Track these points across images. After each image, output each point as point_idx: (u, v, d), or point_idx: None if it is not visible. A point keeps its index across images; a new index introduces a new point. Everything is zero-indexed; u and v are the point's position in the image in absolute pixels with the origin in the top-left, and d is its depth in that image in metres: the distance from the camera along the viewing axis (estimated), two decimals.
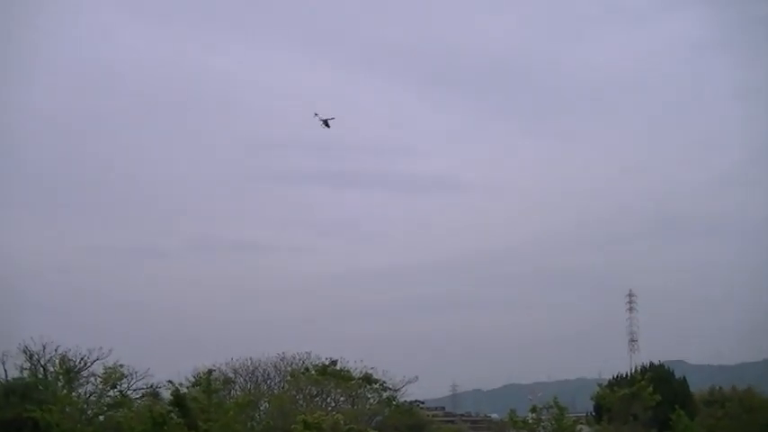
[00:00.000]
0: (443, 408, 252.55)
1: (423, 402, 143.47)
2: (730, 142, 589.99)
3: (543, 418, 77.72)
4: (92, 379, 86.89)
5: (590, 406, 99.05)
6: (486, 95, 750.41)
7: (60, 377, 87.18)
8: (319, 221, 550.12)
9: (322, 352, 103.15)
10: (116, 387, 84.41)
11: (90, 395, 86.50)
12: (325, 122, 71.46)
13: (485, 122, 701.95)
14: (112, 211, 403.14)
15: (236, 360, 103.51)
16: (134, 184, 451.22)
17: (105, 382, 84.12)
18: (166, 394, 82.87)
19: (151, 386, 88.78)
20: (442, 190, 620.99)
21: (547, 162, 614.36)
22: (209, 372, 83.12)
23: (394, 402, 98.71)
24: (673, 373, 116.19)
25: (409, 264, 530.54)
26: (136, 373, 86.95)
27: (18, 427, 75.63)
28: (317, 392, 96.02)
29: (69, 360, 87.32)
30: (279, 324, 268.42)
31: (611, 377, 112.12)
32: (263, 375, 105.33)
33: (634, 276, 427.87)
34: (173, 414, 70.44)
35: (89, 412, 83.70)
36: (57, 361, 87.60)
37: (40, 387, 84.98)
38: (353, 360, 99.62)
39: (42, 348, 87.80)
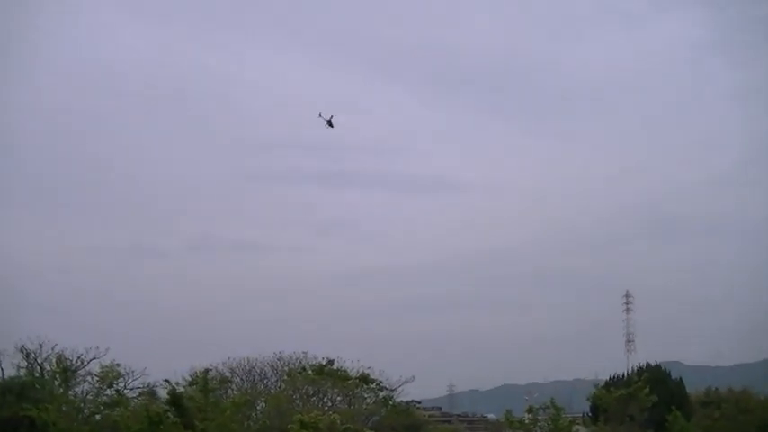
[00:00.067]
0: (440, 408, 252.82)
1: (419, 402, 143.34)
2: (729, 142, 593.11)
3: (540, 418, 77.83)
4: (88, 378, 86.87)
5: (586, 406, 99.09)
6: (487, 95, 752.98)
7: (57, 376, 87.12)
8: (319, 221, 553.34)
9: (320, 352, 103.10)
10: (113, 386, 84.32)
11: (87, 394, 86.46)
12: (329, 122, 71.58)
13: (485, 122, 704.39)
14: (112, 211, 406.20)
15: (233, 359, 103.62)
16: (134, 184, 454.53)
17: (102, 381, 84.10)
18: (163, 393, 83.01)
19: (148, 385, 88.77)
20: (442, 190, 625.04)
21: (546, 162, 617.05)
22: (206, 371, 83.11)
23: (391, 402, 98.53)
24: (669, 374, 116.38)
25: (408, 264, 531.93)
26: (132, 372, 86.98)
27: (15, 425, 75.67)
28: (314, 392, 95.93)
29: (66, 359, 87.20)
30: (278, 324, 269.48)
31: (607, 378, 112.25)
32: (259, 375, 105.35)
33: (631, 277, 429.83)
34: (169, 413, 70.43)
35: (86, 411, 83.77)
36: (53, 360, 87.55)
37: (37, 386, 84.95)
38: (350, 360, 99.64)
39: (39, 347, 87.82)
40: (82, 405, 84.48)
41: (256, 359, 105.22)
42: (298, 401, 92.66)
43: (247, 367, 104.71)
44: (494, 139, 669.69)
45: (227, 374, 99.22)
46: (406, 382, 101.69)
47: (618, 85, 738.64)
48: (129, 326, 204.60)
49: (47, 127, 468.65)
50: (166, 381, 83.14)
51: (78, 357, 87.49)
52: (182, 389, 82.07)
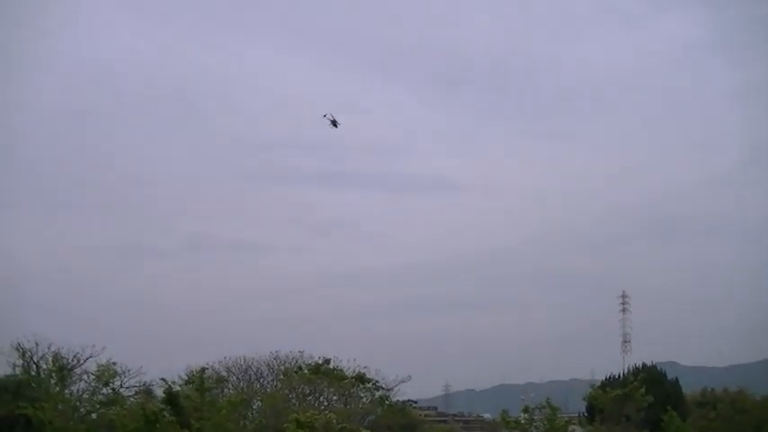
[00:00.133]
0: (436, 407, 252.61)
1: (415, 402, 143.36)
2: (729, 142, 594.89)
3: (535, 418, 77.88)
4: (84, 376, 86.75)
5: (582, 406, 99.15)
6: (487, 95, 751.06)
7: (53, 374, 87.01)
8: (318, 221, 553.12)
9: (318, 351, 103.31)
10: (109, 385, 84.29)
11: (83, 393, 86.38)
12: (334, 122, 71.65)
13: (485, 122, 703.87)
14: (112, 211, 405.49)
15: (230, 358, 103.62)
16: (134, 183, 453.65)
17: (98, 379, 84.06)
18: (160, 392, 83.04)
19: (144, 384, 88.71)
20: (442, 190, 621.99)
21: (546, 162, 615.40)
22: (202, 370, 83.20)
23: (387, 402, 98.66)
24: (665, 375, 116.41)
25: (405, 264, 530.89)
26: (129, 370, 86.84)
27: (10, 424, 75.63)
28: (310, 391, 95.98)
29: (62, 357, 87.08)
30: (276, 323, 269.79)
31: (603, 378, 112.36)
32: (256, 374, 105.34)
33: (629, 277, 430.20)
34: (165, 412, 70.41)
35: (82, 410, 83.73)
36: (50, 358, 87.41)
37: (33, 384, 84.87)
38: (347, 359, 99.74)
39: (35, 345, 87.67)
40: (78, 404, 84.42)
41: (253, 358, 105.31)
42: (294, 401, 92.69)
43: (244, 366, 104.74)
44: (494, 139, 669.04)
45: (224, 373, 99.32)
46: (403, 381, 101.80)
47: (618, 85, 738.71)
48: (128, 325, 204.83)
49: (47, 127, 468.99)
50: (163, 380, 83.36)
51: (74, 356, 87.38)
52: (178, 388, 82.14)
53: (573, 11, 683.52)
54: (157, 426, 67.69)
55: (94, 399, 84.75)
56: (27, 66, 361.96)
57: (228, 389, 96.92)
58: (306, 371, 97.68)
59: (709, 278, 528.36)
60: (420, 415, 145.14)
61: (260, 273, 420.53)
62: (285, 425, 70.78)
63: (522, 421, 78.44)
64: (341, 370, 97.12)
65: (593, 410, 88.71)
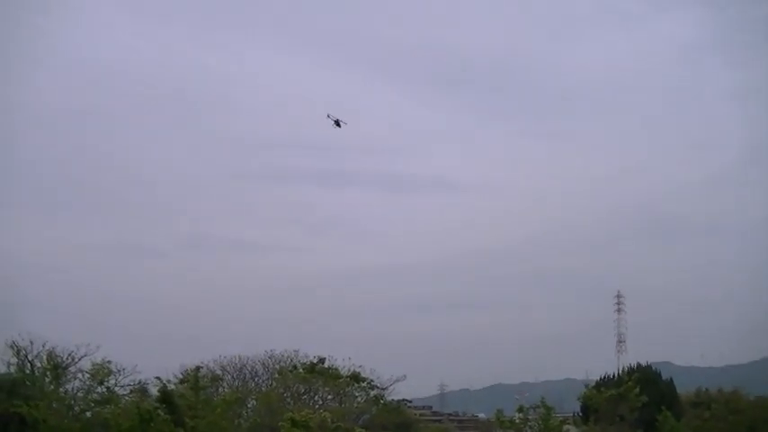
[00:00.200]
0: (431, 407, 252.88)
1: (410, 401, 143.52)
2: (729, 142, 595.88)
3: (530, 417, 77.86)
4: (79, 375, 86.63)
5: (577, 406, 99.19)
6: (487, 95, 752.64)
7: (48, 373, 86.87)
8: (318, 221, 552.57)
9: (314, 350, 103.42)
10: (103, 383, 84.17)
11: (77, 391, 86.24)
12: (337, 122, 71.81)
13: (485, 122, 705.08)
14: (112, 211, 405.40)
15: (225, 357, 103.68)
16: (133, 183, 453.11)
17: (93, 378, 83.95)
18: (154, 391, 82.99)
19: (139, 383, 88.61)
20: (441, 190, 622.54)
21: (546, 162, 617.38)
22: (197, 369, 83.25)
23: (381, 401, 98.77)
24: (660, 375, 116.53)
25: (403, 264, 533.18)
26: (124, 369, 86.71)
27: (5, 422, 75.42)
28: (305, 390, 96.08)
29: (57, 356, 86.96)
30: (274, 323, 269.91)
31: (598, 378, 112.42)
32: (250, 373, 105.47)
33: (625, 277, 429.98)
34: (160, 411, 70.28)
35: (76, 408, 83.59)
36: (44, 357, 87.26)
37: (28, 383, 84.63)
38: (342, 358, 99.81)
39: (30, 344, 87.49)
40: (72, 402, 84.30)
41: (248, 357, 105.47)
42: (289, 400, 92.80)
43: (238, 365, 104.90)
44: (494, 139, 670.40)
45: (219, 372, 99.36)
46: (397, 380, 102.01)
47: (618, 85, 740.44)
48: (125, 324, 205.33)
49: (47, 127, 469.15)
50: (157, 378, 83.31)
51: (69, 354, 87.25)
52: (173, 386, 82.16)
53: (573, 11, 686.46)
54: (152, 424, 67.61)
55: (89, 397, 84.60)
56: (27, 66, 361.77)
57: (223, 387, 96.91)
58: (301, 370, 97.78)
59: (707, 278, 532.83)
60: (415, 414, 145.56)
61: (258, 272, 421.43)
62: (280, 424, 70.76)
63: (517, 421, 78.44)
64: (336, 369, 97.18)
65: (588, 410, 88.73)
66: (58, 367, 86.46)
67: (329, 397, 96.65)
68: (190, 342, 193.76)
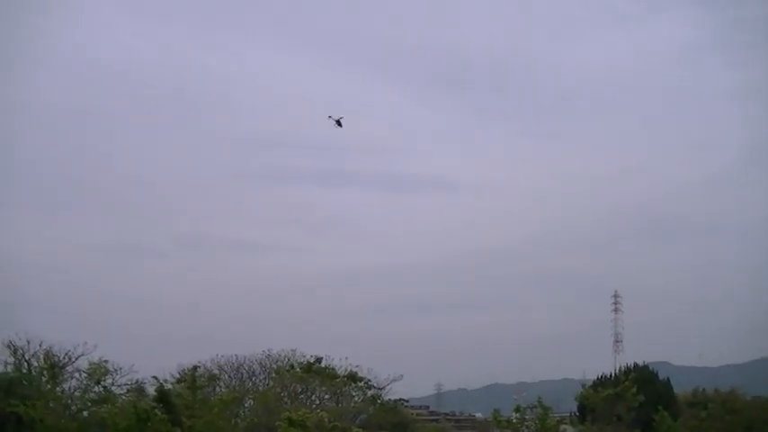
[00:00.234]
0: (428, 407, 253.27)
1: (407, 401, 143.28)
2: (729, 142, 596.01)
3: (527, 417, 77.89)
4: (76, 374, 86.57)
5: (574, 406, 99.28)
6: (487, 95, 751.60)
7: (45, 372, 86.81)
8: (318, 221, 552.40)
9: (311, 350, 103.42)
10: (100, 383, 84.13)
11: (74, 391, 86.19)
12: (338, 122, 71.86)
13: (485, 122, 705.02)
14: (111, 211, 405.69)
15: (222, 357, 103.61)
16: (133, 183, 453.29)
17: (90, 377, 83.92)
18: (152, 390, 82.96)
19: (136, 382, 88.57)
20: (441, 190, 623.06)
21: (546, 162, 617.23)
22: (194, 368, 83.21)
23: (378, 401, 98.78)
24: (657, 375, 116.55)
25: (402, 263, 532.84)
26: (121, 369, 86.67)
27: (1, 422, 75.32)
28: (302, 390, 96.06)
29: (54, 355, 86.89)
30: (271, 323, 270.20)
31: (595, 378, 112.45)
32: (248, 372, 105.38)
33: (624, 277, 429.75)
34: (157, 410, 70.28)
35: (73, 408, 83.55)
36: (41, 356, 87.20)
37: (24, 382, 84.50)
38: (339, 358, 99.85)
39: (27, 343, 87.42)
40: (69, 402, 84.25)
41: (245, 357, 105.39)
42: (286, 399, 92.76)
43: (236, 365, 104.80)
44: (494, 139, 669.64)
45: (216, 372, 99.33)
46: (394, 380, 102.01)
47: (617, 85, 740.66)
48: (125, 324, 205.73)
49: (47, 127, 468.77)
50: (154, 378, 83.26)
51: (66, 354, 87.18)
52: (170, 386, 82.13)
53: (573, 11, 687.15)
54: (149, 424, 67.61)
55: (86, 397, 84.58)
56: (27, 66, 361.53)
57: (220, 387, 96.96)
58: (298, 369, 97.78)
59: (705, 278, 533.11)
60: (412, 414, 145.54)
61: (258, 272, 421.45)
62: (277, 423, 70.86)
63: (514, 421, 78.50)
64: (333, 369, 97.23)
65: (585, 410, 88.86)
66: (54, 367, 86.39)
67: (326, 396, 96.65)
68: (190, 342, 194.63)
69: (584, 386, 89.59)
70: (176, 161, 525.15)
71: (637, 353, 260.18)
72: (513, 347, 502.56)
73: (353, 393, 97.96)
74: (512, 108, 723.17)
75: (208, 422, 73.94)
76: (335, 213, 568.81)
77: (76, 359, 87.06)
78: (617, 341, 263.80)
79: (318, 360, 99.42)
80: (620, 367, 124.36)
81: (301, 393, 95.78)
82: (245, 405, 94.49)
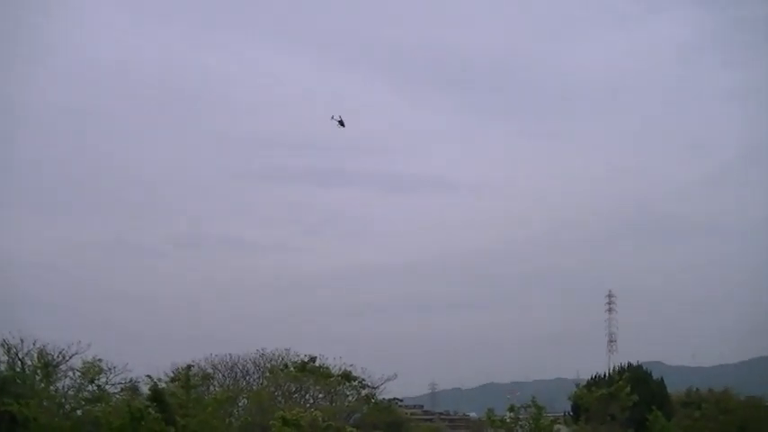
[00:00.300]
0: (422, 406, 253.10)
1: (401, 400, 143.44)
2: (729, 142, 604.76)
3: (521, 417, 77.92)
4: (70, 373, 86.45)
5: (568, 406, 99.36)
6: (487, 95, 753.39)
7: (38, 371, 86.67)
8: (317, 221, 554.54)
9: (309, 349, 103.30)
10: (94, 382, 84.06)
11: (68, 389, 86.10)
12: (341, 123, 72.01)
13: (485, 122, 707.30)
14: (111, 211, 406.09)
15: (216, 356, 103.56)
16: (133, 183, 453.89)
17: (84, 376, 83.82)
18: (146, 389, 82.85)
19: (130, 381, 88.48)
20: (436, 190, 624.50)
21: (546, 162, 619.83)
22: (188, 367, 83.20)
23: (372, 400, 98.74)
24: (650, 374, 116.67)
25: (400, 263, 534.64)
26: (114, 367, 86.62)
27: None
28: (296, 389, 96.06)
29: (48, 354, 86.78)
30: (271, 322, 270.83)
31: (589, 377, 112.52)
32: (242, 371, 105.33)
33: (620, 277, 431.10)
34: (150, 409, 70.26)
35: (67, 406, 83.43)
36: (35, 355, 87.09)
37: (18, 381, 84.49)
38: (333, 357, 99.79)
39: (20, 342, 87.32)
40: (63, 400, 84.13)
41: (239, 356, 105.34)
42: (280, 398, 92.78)
43: (230, 364, 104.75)
44: (494, 139, 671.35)
45: (210, 371, 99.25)
46: (389, 379, 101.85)
47: (617, 85, 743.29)
48: (125, 324, 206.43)
49: (47, 127, 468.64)
50: (148, 377, 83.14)
51: (60, 352, 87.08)
52: (164, 385, 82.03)
53: (573, 11, 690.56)
54: (142, 423, 67.56)
55: (80, 395, 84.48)
56: (27, 66, 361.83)
57: (214, 386, 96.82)
58: (292, 369, 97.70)
59: (701, 278, 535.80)
60: (406, 413, 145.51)
61: (257, 272, 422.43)
62: (271, 422, 70.88)
63: (508, 420, 78.51)
64: (327, 368, 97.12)
65: (579, 410, 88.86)
66: (48, 365, 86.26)
67: (320, 396, 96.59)
68: (189, 341, 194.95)
69: (577, 386, 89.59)
70: (176, 161, 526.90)
71: (631, 353, 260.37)
72: (507, 347, 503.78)
73: (347, 392, 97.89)
74: (512, 108, 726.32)
75: (201, 421, 73.83)
76: (335, 213, 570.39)
77: (70, 358, 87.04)
78: (611, 341, 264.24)
79: (312, 359, 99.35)
80: (614, 367, 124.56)
81: (295, 392, 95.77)
82: (239, 404, 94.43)
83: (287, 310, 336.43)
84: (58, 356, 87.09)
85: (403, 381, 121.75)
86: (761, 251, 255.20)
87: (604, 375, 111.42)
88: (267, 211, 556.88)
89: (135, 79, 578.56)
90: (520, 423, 77.77)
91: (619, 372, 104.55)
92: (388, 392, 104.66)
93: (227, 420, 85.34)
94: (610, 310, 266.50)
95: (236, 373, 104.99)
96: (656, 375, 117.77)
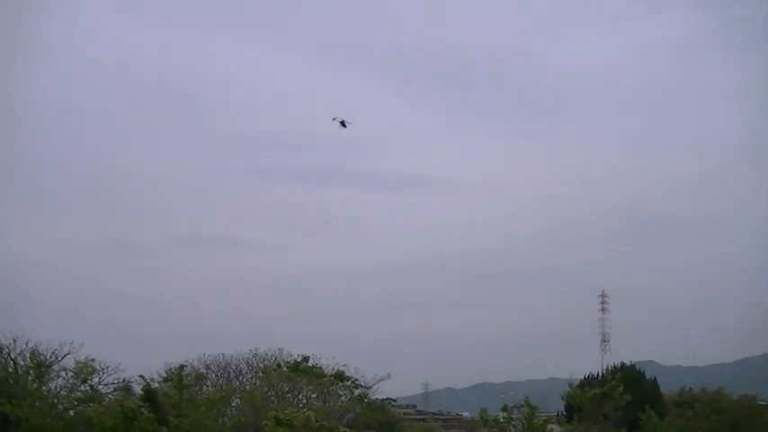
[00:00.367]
0: (415, 406, 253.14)
1: (394, 400, 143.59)
2: (728, 141, 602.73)
3: (514, 417, 77.91)
4: (62, 373, 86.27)
5: (561, 406, 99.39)
6: (487, 95, 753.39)
7: (31, 371, 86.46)
8: (317, 220, 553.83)
9: (298, 349, 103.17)
10: (87, 382, 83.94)
11: (61, 390, 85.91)
12: (343, 124, 72.07)
13: (485, 122, 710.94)
14: (110, 210, 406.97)
15: (209, 356, 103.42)
16: (132, 183, 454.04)
17: (76, 376, 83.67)
18: (138, 390, 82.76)
19: (123, 381, 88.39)
20: (436, 190, 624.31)
21: (545, 162, 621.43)
22: (181, 367, 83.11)
23: (366, 400, 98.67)
24: (643, 374, 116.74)
25: (386, 262, 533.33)
26: (107, 367, 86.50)
27: None
28: (289, 389, 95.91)
29: (40, 354, 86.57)
30: (261, 321, 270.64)
31: (582, 377, 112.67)
32: (235, 371, 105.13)
33: (608, 277, 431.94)
34: (143, 409, 70.19)
35: (59, 407, 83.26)
36: (27, 355, 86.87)
37: (10, 381, 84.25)
38: (326, 357, 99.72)
39: (13, 342, 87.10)
40: (56, 400, 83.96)
41: (232, 356, 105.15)
42: (273, 398, 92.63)
43: (223, 364, 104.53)
44: (494, 139, 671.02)
45: (203, 371, 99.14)
46: (382, 379, 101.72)
47: (617, 85, 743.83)
48: (125, 323, 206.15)
49: (47, 127, 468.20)
50: (141, 377, 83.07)
51: (53, 352, 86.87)
52: (156, 385, 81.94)
53: (572, 11, 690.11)
54: (135, 423, 67.45)
55: (72, 396, 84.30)
56: (27, 66, 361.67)
57: (207, 386, 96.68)
58: (285, 368, 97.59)
59: (696, 278, 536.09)
60: (399, 413, 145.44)
61: (253, 271, 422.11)
62: (264, 422, 70.81)
63: (501, 420, 78.50)
64: (320, 368, 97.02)
65: (572, 409, 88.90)
66: (41, 365, 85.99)
67: (313, 396, 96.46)
68: (189, 341, 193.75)
69: (570, 385, 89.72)
70: (176, 161, 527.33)
71: (624, 352, 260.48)
72: (501, 347, 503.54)
73: (340, 392, 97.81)
74: (512, 108, 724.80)
75: (194, 421, 73.76)
76: (335, 213, 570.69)
77: (63, 358, 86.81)
78: (604, 341, 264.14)
79: (305, 359, 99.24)
80: (607, 367, 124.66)
81: (288, 392, 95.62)
82: (232, 404, 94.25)
83: (287, 309, 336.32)
84: (50, 356, 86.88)
85: (396, 381, 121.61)
86: (760, 251, 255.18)
87: (597, 375, 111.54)
88: (267, 211, 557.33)
89: (135, 79, 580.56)
90: (513, 423, 77.76)
91: (612, 371, 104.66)
92: (381, 392, 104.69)
93: (220, 420, 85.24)
94: (603, 309, 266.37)
95: (229, 373, 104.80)
96: (649, 375, 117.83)
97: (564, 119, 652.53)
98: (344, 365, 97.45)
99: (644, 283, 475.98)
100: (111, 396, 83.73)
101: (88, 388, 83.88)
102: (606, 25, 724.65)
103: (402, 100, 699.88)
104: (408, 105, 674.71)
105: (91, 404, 79.04)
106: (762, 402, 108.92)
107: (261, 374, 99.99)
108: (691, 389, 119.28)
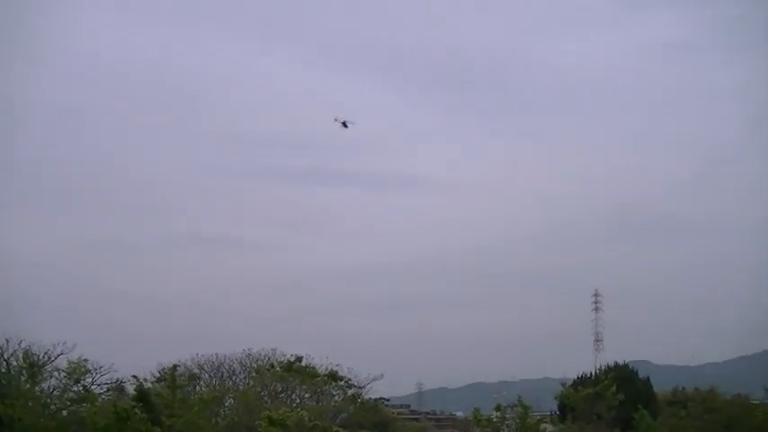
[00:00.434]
0: (408, 406, 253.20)
1: (388, 400, 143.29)
2: (728, 141, 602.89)
3: (507, 416, 78.02)
4: (55, 373, 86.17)
5: (554, 405, 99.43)
6: (487, 95, 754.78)
7: (23, 371, 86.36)
8: (316, 220, 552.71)
9: (292, 349, 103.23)
10: (80, 382, 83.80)
11: (53, 390, 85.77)
12: (344, 124, 72.19)
13: (485, 122, 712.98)
14: (110, 210, 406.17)
15: (202, 356, 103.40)
16: (132, 183, 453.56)
17: (69, 376, 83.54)
18: (132, 390, 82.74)
19: (116, 381, 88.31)
20: (435, 189, 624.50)
21: (545, 161, 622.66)
22: (174, 367, 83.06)
23: (359, 400, 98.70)
24: (636, 373, 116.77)
25: (386, 262, 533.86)
26: (100, 368, 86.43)
27: None
28: (282, 389, 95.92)
29: (33, 354, 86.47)
30: (256, 321, 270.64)
31: (575, 377, 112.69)
32: (228, 371, 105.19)
33: (608, 277, 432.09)
34: (136, 409, 70.12)
35: (52, 407, 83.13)
36: (20, 355, 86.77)
37: (3, 381, 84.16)
38: (319, 357, 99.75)
39: (6, 342, 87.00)
40: (49, 401, 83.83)
41: (225, 356, 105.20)
42: (266, 398, 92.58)
43: (216, 364, 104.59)
44: (494, 139, 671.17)
45: (196, 371, 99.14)
46: (375, 379, 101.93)
47: (617, 85, 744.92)
48: (125, 323, 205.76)
49: (47, 127, 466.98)
50: (134, 377, 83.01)
51: (45, 353, 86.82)
52: (149, 385, 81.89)
53: (572, 11, 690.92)
54: (128, 423, 67.43)
55: (65, 396, 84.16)
56: (27, 65, 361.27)
57: (201, 386, 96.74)
58: (278, 368, 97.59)
59: (698, 278, 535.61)
60: (392, 413, 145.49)
61: (253, 271, 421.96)
62: (257, 422, 70.75)
63: (495, 419, 78.58)
64: (313, 368, 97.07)
65: (565, 409, 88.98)
66: (33, 366, 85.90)
67: (306, 395, 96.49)
68: (189, 341, 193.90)
69: (564, 385, 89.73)
70: (176, 161, 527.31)
71: (618, 352, 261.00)
72: (495, 346, 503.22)
73: (334, 392, 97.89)
74: (512, 108, 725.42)
75: (188, 421, 73.79)
76: (336, 213, 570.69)
77: (56, 358, 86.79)
78: (597, 340, 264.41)
79: (299, 359, 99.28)
80: (601, 366, 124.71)
81: (282, 392, 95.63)
82: (226, 404, 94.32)
83: (287, 309, 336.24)
84: (43, 357, 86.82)
85: (389, 380, 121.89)
86: (760, 251, 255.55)
87: (591, 375, 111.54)
88: (267, 211, 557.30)
89: (135, 79, 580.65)
90: (506, 422, 77.86)
91: (605, 371, 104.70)
92: (374, 392, 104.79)
93: (214, 420, 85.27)
94: (596, 309, 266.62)
95: (223, 373, 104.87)
96: (642, 374, 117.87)
97: (564, 119, 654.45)
98: (338, 365, 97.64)
99: (644, 282, 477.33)
100: (104, 396, 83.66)
101: (81, 388, 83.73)
102: (606, 25, 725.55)
103: (402, 100, 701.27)
104: (408, 105, 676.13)
105: (84, 404, 78.95)
106: (755, 401, 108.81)
107: (254, 374, 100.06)
108: (684, 388, 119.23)
